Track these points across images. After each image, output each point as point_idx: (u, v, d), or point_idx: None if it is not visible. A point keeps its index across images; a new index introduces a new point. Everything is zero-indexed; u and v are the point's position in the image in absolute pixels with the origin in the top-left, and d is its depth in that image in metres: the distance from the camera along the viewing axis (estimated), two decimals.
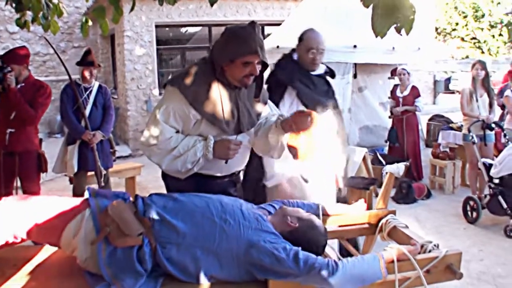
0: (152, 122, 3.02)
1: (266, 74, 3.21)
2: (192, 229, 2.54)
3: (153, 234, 2.53)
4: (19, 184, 5.54)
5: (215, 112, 2.99)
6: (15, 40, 15.29)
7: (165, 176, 3.31)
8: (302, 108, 3.67)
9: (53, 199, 2.68)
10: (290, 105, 3.94)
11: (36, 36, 14.82)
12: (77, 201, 2.68)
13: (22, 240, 2.63)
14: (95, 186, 6.16)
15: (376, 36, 2.07)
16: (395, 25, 2.01)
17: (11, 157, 5.32)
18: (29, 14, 5.57)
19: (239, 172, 3.41)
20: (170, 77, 3.27)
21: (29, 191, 5.34)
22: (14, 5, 5.48)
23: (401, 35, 2.05)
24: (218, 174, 3.21)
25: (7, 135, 5.27)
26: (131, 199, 2.77)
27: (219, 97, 3.00)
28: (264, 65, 3.05)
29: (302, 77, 4.02)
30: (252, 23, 2.96)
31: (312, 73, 4.10)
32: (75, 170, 5.90)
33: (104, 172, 6.04)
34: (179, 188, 3.08)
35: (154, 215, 2.57)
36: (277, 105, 3.67)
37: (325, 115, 3.60)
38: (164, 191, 3.35)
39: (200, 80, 3.01)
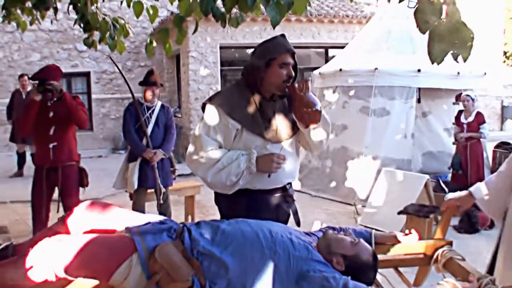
0: (194, 138, 3.14)
1: None
2: (241, 263, 2.49)
3: (202, 272, 2.49)
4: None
5: (253, 120, 3.08)
6: (84, 59, 15.83)
7: (217, 199, 3.34)
8: None
9: (96, 239, 2.59)
10: None
11: (103, 55, 15.27)
12: (123, 241, 2.59)
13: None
14: (154, 203, 6.26)
15: (432, 63, 2.03)
16: (451, 52, 1.96)
17: (55, 171, 5.38)
18: (96, 34, 5.74)
19: (291, 185, 3.38)
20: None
21: (68, 204, 5.37)
22: (82, 25, 5.66)
23: (457, 62, 2.00)
24: (269, 188, 3.20)
25: (51, 150, 5.33)
26: (177, 226, 2.73)
27: (256, 108, 3.10)
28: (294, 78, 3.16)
29: None
30: (283, 34, 3.18)
31: None
32: (135, 187, 5.99)
33: (163, 190, 6.11)
34: (232, 210, 3.11)
35: (202, 252, 2.52)
36: None
37: None
38: None
39: (236, 95, 3.17)
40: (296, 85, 3.04)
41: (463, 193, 3.24)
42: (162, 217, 2.94)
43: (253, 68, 3.14)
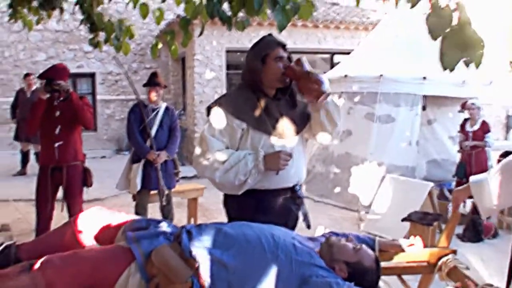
0: (200, 140, 3.16)
1: None
2: (243, 266, 2.48)
3: (201, 273, 2.47)
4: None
5: (259, 119, 3.11)
6: (90, 59, 15.87)
7: (226, 201, 3.34)
8: None
9: (94, 255, 2.58)
10: None
11: (109, 56, 15.31)
12: (121, 252, 2.56)
13: None
14: (157, 204, 6.25)
15: (444, 70, 2.02)
16: (464, 59, 1.94)
17: (59, 171, 5.36)
18: (102, 35, 5.74)
19: (300, 186, 3.37)
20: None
21: (72, 204, 5.43)
22: (88, 25, 5.66)
23: (468, 68, 1.99)
24: (277, 187, 3.19)
25: (56, 149, 5.31)
26: (175, 229, 2.73)
27: (261, 107, 3.14)
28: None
29: None
30: (269, 34, 3.29)
31: None
32: (138, 188, 5.97)
33: (166, 191, 6.09)
34: (241, 213, 3.11)
35: (202, 254, 2.51)
36: None
37: None
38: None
39: (241, 96, 3.21)
40: (292, 64, 3.11)
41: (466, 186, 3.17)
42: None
43: (250, 70, 3.21)
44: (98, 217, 2.90)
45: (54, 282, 2.45)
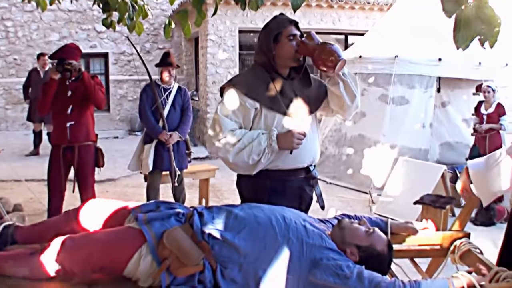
0: (214, 121, 3.15)
1: None
2: (254, 249, 2.46)
3: (213, 255, 2.46)
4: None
5: (272, 98, 3.10)
6: (102, 39, 15.85)
7: (239, 182, 3.34)
8: None
9: (105, 237, 2.55)
10: None
11: (122, 36, 15.26)
12: (132, 234, 2.54)
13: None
14: (168, 185, 6.26)
15: (458, 49, 1.97)
16: (478, 38, 1.89)
17: (71, 150, 5.35)
18: (115, 15, 5.70)
19: (314, 167, 3.36)
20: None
21: (83, 184, 5.43)
22: (101, 5, 5.63)
23: (484, 48, 1.93)
24: (291, 167, 3.18)
25: (68, 129, 5.29)
26: (186, 210, 2.71)
27: (274, 86, 3.12)
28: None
29: None
30: (281, 14, 3.25)
31: None
32: (150, 169, 5.97)
33: (178, 172, 6.09)
34: (254, 194, 3.13)
35: (214, 235, 2.50)
36: None
37: None
38: (237, 194, 3.35)
39: (254, 77, 3.18)
40: (304, 39, 3.10)
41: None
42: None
43: (263, 49, 3.18)
44: (103, 205, 2.88)
45: (66, 264, 2.45)
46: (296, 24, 3.16)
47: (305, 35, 3.12)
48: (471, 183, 3.04)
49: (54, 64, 5.30)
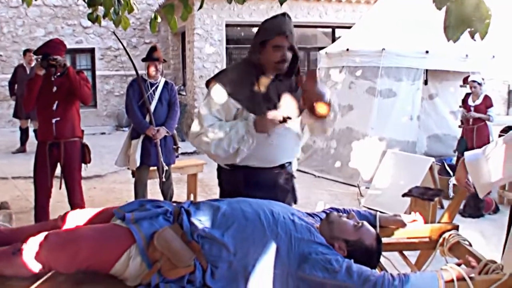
0: (197, 116, 3.21)
1: None
2: (243, 245, 2.44)
3: (203, 256, 2.43)
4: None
5: (254, 101, 3.11)
6: (88, 35, 15.77)
7: (219, 173, 3.40)
8: None
9: (93, 234, 2.47)
10: None
11: (108, 31, 15.17)
12: (120, 233, 2.48)
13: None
14: (156, 181, 6.23)
15: (448, 41, 1.96)
16: (469, 30, 1.88)
17: (57, 147, 5.29)
18: (101, 9, 5.65)
19: (289, 163, 3.38)
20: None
21: (70, 180, 5.38)
22: (86, 0, 5.57)
23: (475, 40, 1.92)
24: (267, 166, 3.22)
25: (53, 125, 5.22)
26: (173, 208, 2.66)
27: (259, 88, 3.14)
28: (296, 58, 3.18)
29: None
30: (284, 13, 3.14)
31: None
32: (137, 164, 5.93)
33: (166, 168, 6.06)
34: (232, 185, 3.20)
35: (203, 234, 2.47)
36: None
37: None
38: None
39: (241, 74, 3.20)
40: (304, 76, 3.03)
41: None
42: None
43: (251, 48, 3.21)
44: (86, 211, 2.83)
45: (51, 263, 2.40)
46: (287, 35, 3.08)
47: (308, 71, 3.09)
48: (468, 174, 3.05)
49: (39, 60, 5.24)
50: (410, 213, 3.32)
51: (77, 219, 2.76)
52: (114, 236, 2.47)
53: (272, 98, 3.14)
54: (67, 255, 2.38)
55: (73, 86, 5.20)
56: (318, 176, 9.34)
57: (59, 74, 5.24)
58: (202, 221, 2.53)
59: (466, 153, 3.10)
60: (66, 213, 2.85)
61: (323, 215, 2.88)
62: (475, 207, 7.14)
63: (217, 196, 3.48)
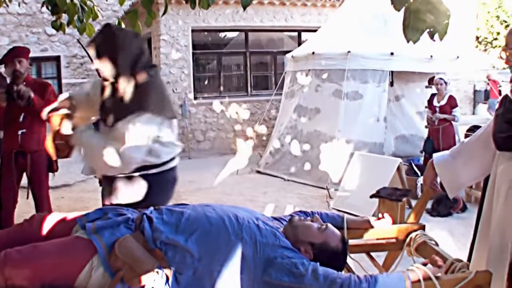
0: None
1: None
2: (207, 251, 2.41)
3: (167, 263, 2.38)
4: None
5: (99, 106, 3.27)
6: (53, 42, 15.57)
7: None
8: None
9: (54, 248, 2.41)
10: None
11: (74, 39, 14.97)
12: (81, 244, 2.43)
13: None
14: None
15: (408, 42, 1.97)
16: (428, 30, 1.89)
17: (23, 156, 5.25)
18: (65, 17, 5.58)
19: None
20: None
21: (37, 191, 5.33)
22: (50, 7, 5.50)
23: (434, 40, 1.94)
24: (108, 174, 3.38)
25: (19, 136, 5.20)
26: (135, 215, 2.61)
27: (101, 94, 3.26)
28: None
29: None
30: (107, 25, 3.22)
31: None
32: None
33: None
34: None
35: (165, 241, 2.42)
36: None
37: None
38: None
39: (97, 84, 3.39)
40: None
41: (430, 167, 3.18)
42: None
43: None
44: (50, 217, 2.78)
45: (13, 278, 2.35)
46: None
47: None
48: (437, 176, 3.08)
49: (2, 93, 5.16)
50: (378, 214, 3.34)
51: (43, 223, 2.71)
52: (76, 249, 2.42)
53: (107, 103, 3.23)
54: (29, 271, 2.33)
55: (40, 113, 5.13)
56: (288, 180, 9.36)
57: (24, 103, 5.08)
58: (165, 227, 2.48)
59: (435, 155, 3.14)
60: (32, 216, 2.80)
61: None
62: (443, 206, 7.20)
63: (185, 199, 3.45)
